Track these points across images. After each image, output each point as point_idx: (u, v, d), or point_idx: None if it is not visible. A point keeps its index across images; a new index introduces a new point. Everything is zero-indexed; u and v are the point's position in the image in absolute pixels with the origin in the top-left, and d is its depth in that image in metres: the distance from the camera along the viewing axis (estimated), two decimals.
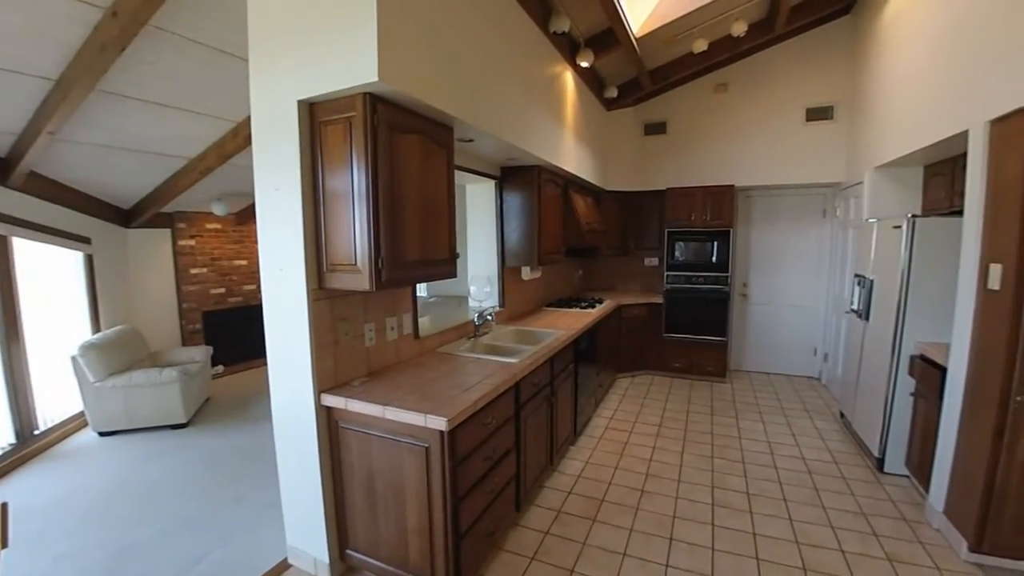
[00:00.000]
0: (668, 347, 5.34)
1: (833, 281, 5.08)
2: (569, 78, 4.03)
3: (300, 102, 1.96)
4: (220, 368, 5.51)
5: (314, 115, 1.99)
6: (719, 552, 2.44)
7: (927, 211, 3.56)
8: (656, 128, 5.49)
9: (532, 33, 3.22)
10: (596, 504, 2.87)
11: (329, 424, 2.12)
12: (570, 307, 4.44)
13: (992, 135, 2.39)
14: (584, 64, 3.92)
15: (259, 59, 2.05)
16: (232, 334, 5.69)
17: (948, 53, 2.84)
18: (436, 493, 1.88)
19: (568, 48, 3.88)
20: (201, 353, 4.70)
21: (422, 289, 5.21)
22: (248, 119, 2.11)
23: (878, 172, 3.83)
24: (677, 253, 5.26)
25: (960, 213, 2.62)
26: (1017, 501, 2.25)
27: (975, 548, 2.34)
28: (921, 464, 2.89)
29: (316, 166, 1.99)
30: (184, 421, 4.05)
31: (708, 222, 5.10)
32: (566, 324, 3.62)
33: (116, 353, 4.05)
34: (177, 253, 5.30)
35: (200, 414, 4.39)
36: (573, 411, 3.49)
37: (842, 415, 4.13)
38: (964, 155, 2.62)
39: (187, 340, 5.37)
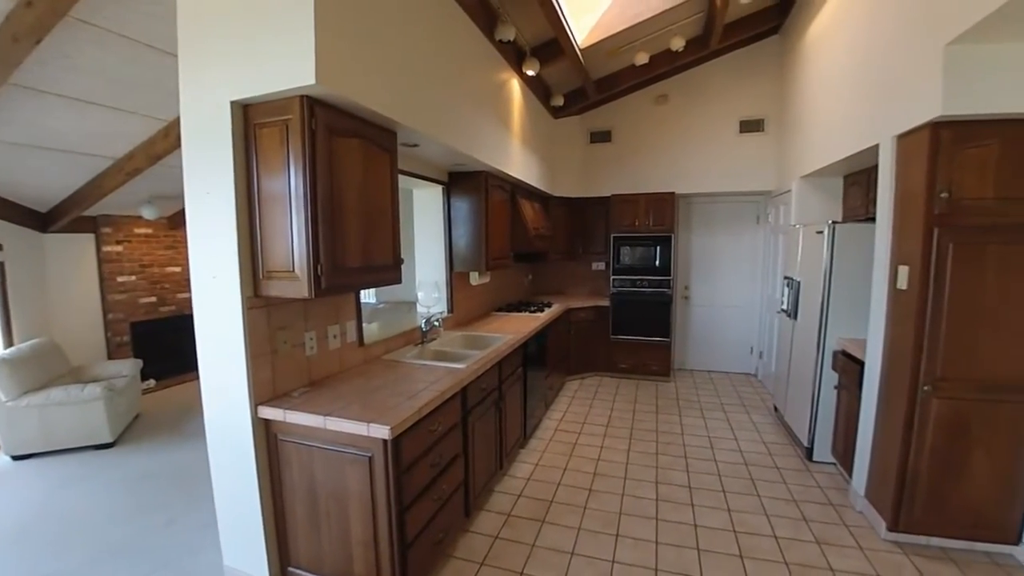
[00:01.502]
0: (615, 348, 5.49)
1: (766, 283, 5.39)
2: (516, 86, 4.09)
3: (234, 103, 1.89)
4: (151, 382, 5.18)
5: (249, 117, 1.92)
6: (662, 545, 2.53)
7: (847, 217, 3.84)
8: (601, 136, 5.65)
9: (478, 41, 3.24)
10: (545, 505, 2.90)
11: (267, 437, 2.04)
12: (519, 311, 4.49)
13: (898, 149, 2.63)
14: (530, 72, 3.98)
15: (190, 57, 1.96)
16: (164, 346, 5.36)
17: (860, 74, 3.09)
18: (381, 503, 1.85)
19: (514, 56, 3.93)
20: (129, 367, 4.40)
21: (370, 295, 5.11)
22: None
23: (803, 181, 4.10)
24: (622, 257, 5.43)
25: (874, 219, 2.85)
26: (926, 483, 2.47)
27: (892, 527, 2.55)
28: (845, 452, 3.11)
29: (251, 169, 1.93)
30: (110, 441, 3.78)
31: (651, 228, 5.30)
32: (515, 328, 3.65)
33: (31, 369, 3.73)
34: (102, 260, 4.95)
35: (128, 433, 4.10)
36: (522, 414, 3.52)
37: (776, 409, 4.38)
38: (876, 166, 2.86)
39: (113, 353, 5.01)
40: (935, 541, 2.51)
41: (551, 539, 2.59)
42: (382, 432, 1.76)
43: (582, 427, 4.12)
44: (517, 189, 4.41)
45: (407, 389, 2.19)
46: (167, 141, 3.61)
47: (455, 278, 3.74)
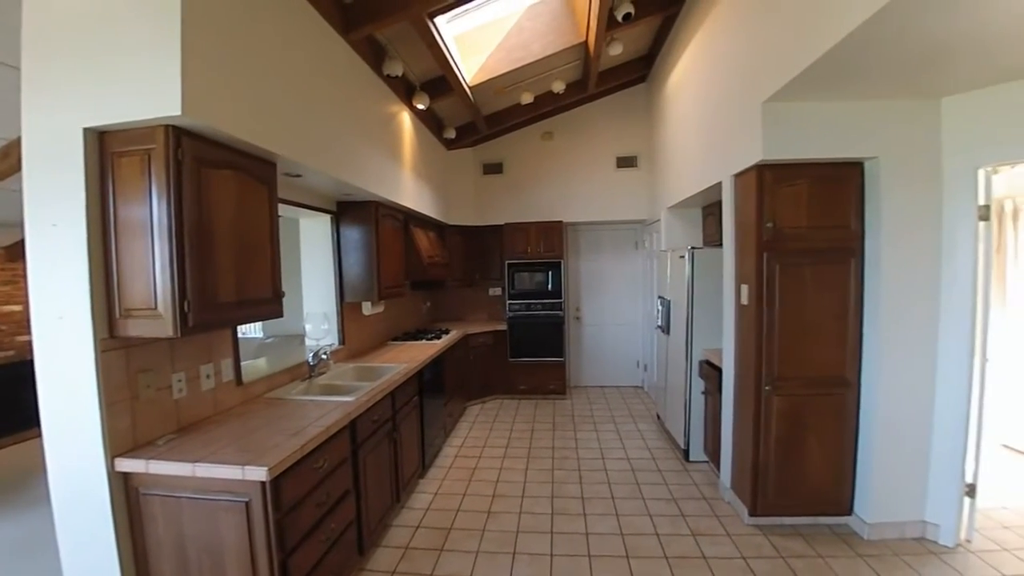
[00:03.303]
0: (514, 371, 5.67)
1: (647, 302, 5.91)
2: (406, 118, 4.17)
3: (87, 130, 1.75)
4: None
5: (105, 144, 1.79)
6: (557, 556, 2.65)
7: (706, 244, 4.38)
8: (494, 168, 5.92)
9: (365, 74, 3.29)
10: (444, 533, 2.90)
11: (127, 493, 1.85)
12: (416, 339, 4.48)
13: (736, 186, 3.10)
14: (420, 106, 4.09)
15: (36, 75, 1.77)
16: None
17: (706, 121, 3.61)
18: (260, 549, 1.75)
19: (404, 90, 4.02)
20: None
21: (257, 329, 4.80)
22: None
23: (670, 212, 4.62)
24: (517, 283, 5.67)
25: None
26: (775, 470, 2.85)
27: (753, 512, 2.90)
28: (714, 450, 3.49)
29: (107, 201, 1.79)
30: None
31: (542, 254, 5.61)
32: (410, 357, 3.65)
33: None
34: None
35: None
36: (420, 444, 3.49)
37: (658, 417, 4.78)
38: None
39: None
40: (788, 520, 2.90)
41: (449, 567, 2.59)
42: (259, 474, 1.69)
43: (482, 451, 4.17)
44: (411, 218, 4.46)
45: (289, 427, 2.11)
46: (6, 162, 3.15)
47: (346, 309, 3.66)
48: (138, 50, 1.70)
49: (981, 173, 2.54)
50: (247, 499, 1.74)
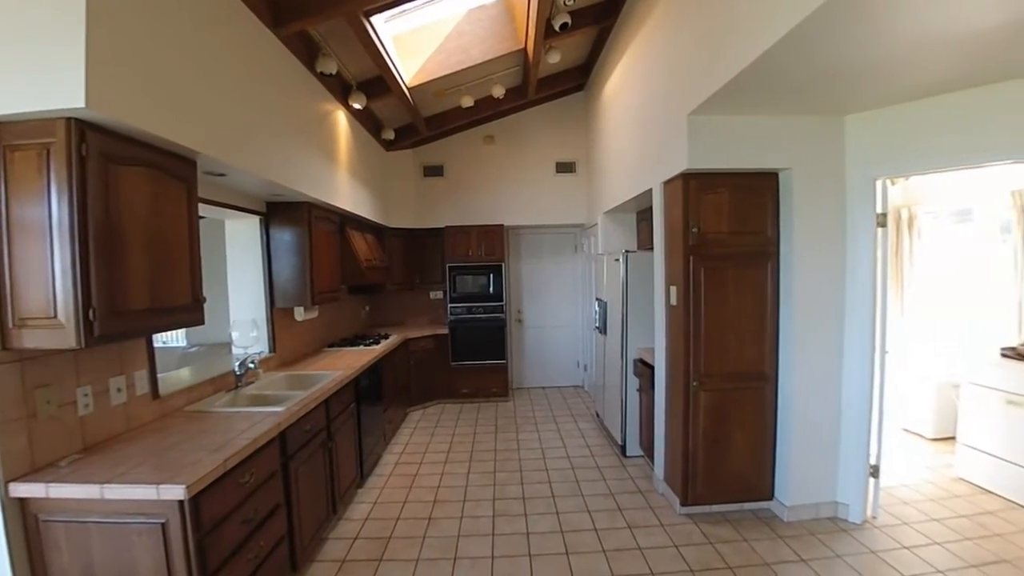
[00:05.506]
0: (456, 375, 5.64)
1: (586, 304, 6.08)
2: (342, 118, 4.06)
3: None
4: None
5: None
6: (498, 558, 2.66)
7: (640, 247, 4.56)
8: (434, 171, 5.87)
9: (297, 71, 3.17)
10: (383, 543, 2.83)
11: (25, 521, 1.67)
12: (354, 346, 4.35)
13: (665, 193, 3.25)
14: (356, 106, 3.99)
15: None
16: None
17: (638, 130, 3.77)
18: (179, 573, 1.64)
19: (340, 89, 3.91)
20: None
21: (180, 337, 4.50)
22: None
23: (606, 216, 4.78)
24: (458, 286, 5.66)
25: None
26: (703, 461, 3.01)
27: (684, 503, 3.05)
28: (649, 445, 3.64)
29: None
30: None
31: (483, 257, 5.63)
32: (346, 364, 3.53)
33: None
34: None
35: None
36: (357, 453, 3.40)
37: (598, 415, 4.92)
38: None
39: None
40: (716, 508, 3.07)
41: None
42: (176, 493, 1.58)
43: (423, 457, 4.12)
44: (347, 220, 4.33)
45: (211, 441, 1.98)
46: None
47: (277, 315, 3.49)
48: (36, 34, 1.54)
49: (879, 184, 2.81)
50: (163, 520, 1.62)
